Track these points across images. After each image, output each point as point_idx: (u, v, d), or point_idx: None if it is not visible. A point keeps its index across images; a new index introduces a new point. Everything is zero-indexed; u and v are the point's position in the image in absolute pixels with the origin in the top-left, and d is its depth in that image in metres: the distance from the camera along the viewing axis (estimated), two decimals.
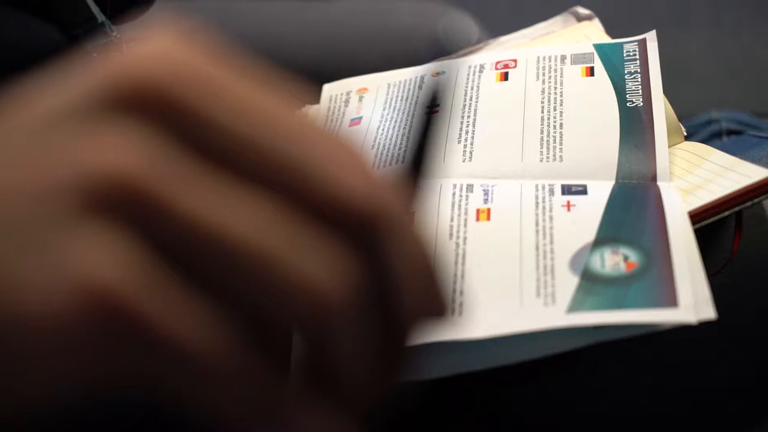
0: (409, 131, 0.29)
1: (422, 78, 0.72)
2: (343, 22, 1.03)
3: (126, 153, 0.22)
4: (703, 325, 0.57)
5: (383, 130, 0.69)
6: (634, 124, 0.63)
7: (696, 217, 0.56)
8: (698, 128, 0.93)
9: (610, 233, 0.56)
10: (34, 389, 0.23)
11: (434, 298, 0.25)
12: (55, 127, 0.23)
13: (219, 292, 0.23)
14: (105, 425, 0.51)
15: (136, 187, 0.22)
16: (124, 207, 0.22)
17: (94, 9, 0.60)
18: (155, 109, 0.23)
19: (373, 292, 0.24)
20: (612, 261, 0.54)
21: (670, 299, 0.51)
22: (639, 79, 0.66)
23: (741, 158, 0.60)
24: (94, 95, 0.23)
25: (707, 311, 0.50)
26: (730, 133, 0.89)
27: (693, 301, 0.50)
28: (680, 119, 0.65)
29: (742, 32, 2.01)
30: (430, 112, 0.30)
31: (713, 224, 0.57)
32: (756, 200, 0.56)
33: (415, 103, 0.70)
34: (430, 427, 0.60)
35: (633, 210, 0.58)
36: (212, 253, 0.22)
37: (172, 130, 0.23)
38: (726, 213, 0.56)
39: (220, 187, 0.23)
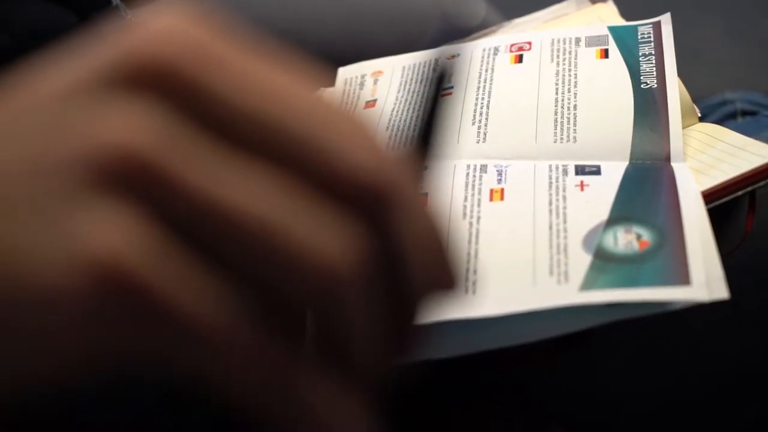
0: (421, 111, 0.29)
1: (437, 61, 0.73)
2: (359, 4, 1.03)
3: (135, 129, 0.22)
4: (717, 308, 0.58)
5: (398, 112, 0.70)
6: (648, 106, 0.64)
7: (709, 196, 0.57)
8: (712, 109, 0.93)
9: (623, 212, 0.56)
10: (44, 365, 0.23)
11: (445, 271, 0.25)
12: (65, 104, 0.24)
13: (228, 266, 0.23)
14: (116, 409, 0.51)
15: (144, 162, 0.22)
16: (132, 182, 0.22)
17: None
18: (164, 85, 0.23)
19: (384, 266, 0.24)
20: (625, 240, 0.54)
21: (682, 277, 0.51)
22: (653, 61, 0.66)
23: (755, 138, 0.60)
24: (103, 73, 0.24)
25: (720, 290, 0.50)
26: (745, 113, 0.89)
27: (705, 279, 0.51)
28: (694, 101, 0.66)
29: (757, 14, 2.00)
30: (439, 91, 0.30)
31: (727, 205, 0.57)
32: None
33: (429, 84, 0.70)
34: (441, 409, 0.61)
35: (646, 189, 0.58)
36: (222, 228, 0.23)
37: (181, 106, 0.23)
38: (740, 193, 0.57)
39: (230, 163, 0.23)
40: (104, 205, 0.22)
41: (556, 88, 0.67)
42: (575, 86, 0.66)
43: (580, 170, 0.60)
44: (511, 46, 0.71)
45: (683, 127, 0.63)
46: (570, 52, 0.69)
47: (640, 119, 0.63)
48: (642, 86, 0.65)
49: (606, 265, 0.53)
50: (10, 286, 0.22)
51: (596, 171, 0.60)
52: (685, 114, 0.64)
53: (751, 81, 1.77)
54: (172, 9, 0.24)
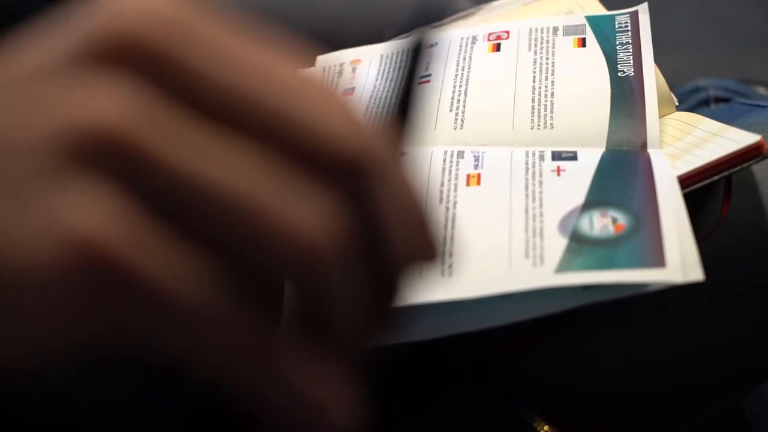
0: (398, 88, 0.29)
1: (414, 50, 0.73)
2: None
3: (111, 105, 0.22)
4: (695, 296, 0.58)
5: (376, 100, 0.70)
6: (625, 94, 0.64)
7: (685, 181, 0.57)
8: (685, 96, 0.93)
9: (599, 197, 0.56)
10: (24, 348, 0.23)
11: (425, 241, 0.25)
12: (39, 80, 0.23)
13: (207, 242, 0.23)
14: (99, 395, 0.51)
15: (121, 138, 0.22)
16: (109, 159, 0.22)
17: None
18: (139, 61, 0.23)
19: (363, 237, 0.24)
20: (601, 223, 0.55)
21: (658, 259, 0.51)
22: (630, 50, 0.67)
23: (730, 125, 0.60)
24: (76, 49, 0.23)
25: (696, 273, 0.51)
26: (718, 100, 0.90)
27: (681, 262, 0.51)
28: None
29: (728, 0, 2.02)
30: (416, 65, 0.30)
31: (703, 191, 0.57)
32: (744, 165, 0.57)
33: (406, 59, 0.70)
34: (415, 395, 0.61)
35: (622, 175, 0.58)
36: (199, 204, 0.22)
37: (157, 81, 0.23)
38: (715, 177, 0.57)
39: (206, 138, 0.23)
40: (80, 182, 0.22)
41: (534, 77, 0.67)
42: (552, 74, 0.67)
43: (557, 156, 0.60)
44: (489, 35, 0.72)
45: (661, 116, 0.63)
46: (547, 41, 0.70)
47: (617, 107, 0.63)
48: (619, 74, 0.65)
49: (581, 248, 0.53)
50: None
51: (573, 157, 0.60)
52: (662, 103, 0.64)
53: (723, 67, 1.79)
54: None
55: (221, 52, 0.23)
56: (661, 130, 0.62)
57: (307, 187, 0.23)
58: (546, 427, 0.57)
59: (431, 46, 0.72)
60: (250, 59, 0.24)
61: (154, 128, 0.22)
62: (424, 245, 0.25)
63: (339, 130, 0.23)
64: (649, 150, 0.61)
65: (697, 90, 0.92)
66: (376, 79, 0.71)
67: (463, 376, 0.62)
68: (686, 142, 0.61)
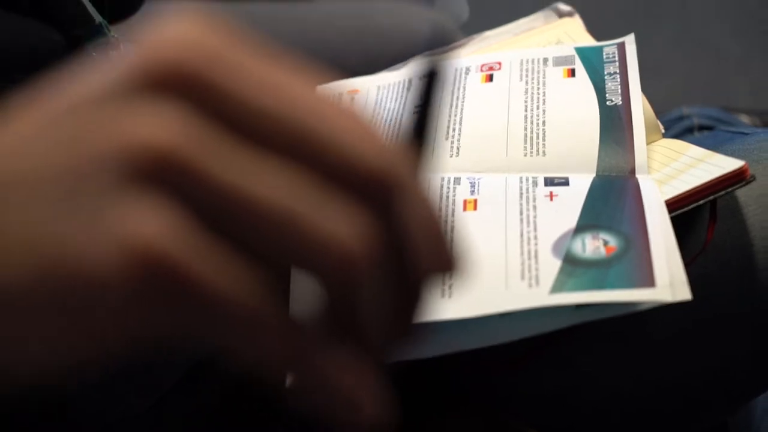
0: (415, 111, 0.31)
1: (410, 81, 0.75)
2: (323, 23, 1.05)
3: (163, 128, 0.25)
4: (681, 316, 0.61)
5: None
6: (614, 122, 0.67)
7: (672, 206, 0.60)
8: (670, 124, 0.96)
9: (590, 220, 0.59)
10: (86, 348, 0.25)
11: (445, 253, 0.28)
12: (97, 107, 0.25)
13: (252, 252, 0.25)
14: (135, 395, 0.53)
15: (174, 158, 0.24)
16: (164, 176, 0.25)
17: (91, 10, 0.62)
18: (186, 88, 0.25)
19: (389, 247, 0.26)
20: (592, 245, 0.57)
21: (648, 280, 0.54)
22: (618, 80, 0.69)
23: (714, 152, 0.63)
24: (130, 78, 0.26)
25: (684, 292, 0.53)
26: (702, 128, 0.92)
27: (670, 281, 0.53)
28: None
29: (710, 27, 2.06)
30: (430, 85, 0.33)
31: (689, 214, 0.60)
32: (729, 190, 0.59)
33: (404, 104, 0.73)
34: (417, 412, 0.63)
35: (612, 199, 0.61)
36: (246, 218, 0.25)
37: (203, 107, 0.25)
38: (701, 201, 0.60)
39: (249, 158, 0.25)
40: (139, 198, 0.24)
41: (526, 106, 0.69)
42: (544, 104, 0.69)
43: (549, 182, 0.63)
44: (482, 65, 0.74)
45: (648, 143, 0.66)
46: (538, 72, 0.72)
47: (606, 134, 0.66)
48: (607, 103, 0.68)
49: (575, 269, 0.55)
50: (58, 275, 0.24)
51: (565, 182, 0.63)
52: (649, 130, 0.67)
53: (704, 95, 1.82)
54: (187, 17, 0.27)
55: (257, 79, 0.26)
56: (648, 157, 0.64)
57: (342, 203, 0.26)
58: None
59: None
60: (283, 85, 0.26)
61: (204, 149, 0.25)
62: (445, 257, 0.28)
63: (366, 150, 0.26)
64: (638, 176, 0.63)
65: (681, 118, 0.95)
66: (373, 109, 0.74)
67: (463, 394, 0.64)
68: (673, 168, 0.63)
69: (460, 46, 0.80)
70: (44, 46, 0.60)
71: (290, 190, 0.25)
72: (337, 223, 0.25)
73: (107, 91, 0.26)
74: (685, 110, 0.96)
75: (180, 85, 0.25)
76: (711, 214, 0.61)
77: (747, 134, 0.69)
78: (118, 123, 0.25)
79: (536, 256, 0.57)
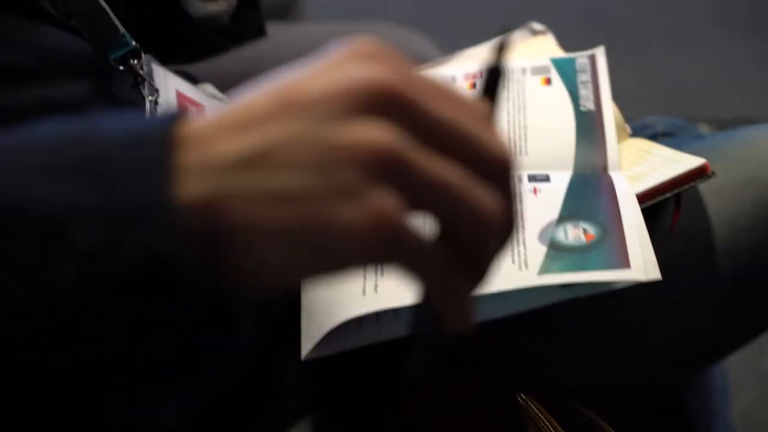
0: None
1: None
2: (306, 45, 1.11)
3: (384, 134, 0.37)
4: (650, 296, 0.68)
5: None
6: (587, 125, 0.74)
7: (642, 198, 0.67)
8: (636, 132, 1.03)
9: (570, 212, 0.67)
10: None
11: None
12: (329, 109, 0.37)
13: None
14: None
15: (395, 155, 0.37)
16: (388, 168, 0.37)
17: (118, 24, 0.69)
18: (391, 109, 0.37)
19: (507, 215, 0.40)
20: (574, 233, 0.65)
21: (623, 262, 0.62)
22: (590, 87, 0.77)
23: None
24: (352, 101, 0.37)
25: (654, 273, 0.61)
26: (665, 134, 1.00)
27: (642, 264, 0.61)
28: None
29: (669, 52, 2.16)
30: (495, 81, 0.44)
31: (656, 205, 0.68)
32: (692, 184, 0.67)
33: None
34: (398, 383, 0.70)
35: (589, 193, 0.69)
36: (437, 190, 0.37)
37: (403, 120, 0.37)
38: (668, 194, 0.67)
39: (434, 154, 0.37)
40: (375, 182, 0.36)
41: (508, 111, 0.77)
42: (524, 109, 0.77)
43: (533, 178, 0.70)
44: (467, 75, 0.82)
45: (618, 143, 0.74)
46: (518, 81, 0.80)
47: (581, 136, 0.74)
48: (581, 108, 0.76)
49: (559, 254, 0.63)
50: (315, 228, 0.36)
51: (546, 179, 0.70)
52: (618, 132, 0.74)
53: (662, 111, 1.91)
54: (367, 44, 0.39)
55: (439, 99, 0.38)
56: (620, 155, 0.72)
57: (485, 183, 0.38)
58: (531, 402, 0.66)
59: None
60: (452, 103, 0.38)
61: (411, 149, 0.37)
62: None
63: (501, 151, 0.39)
64: (611, 172, 0.71)
65: (645, 127, 1.02)
66: None
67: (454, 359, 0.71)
68: (642, 166, 0.71)
69: (441, 63, 0.87)
70: (76, 57, 0.66)
71: (459, 175, 0.38)
72: (485, 195, 0.38)
73: (333, 108, 0.37)
74: (649, 119, 1.04)
75: (386, 107, 0.37)
76: (676, 204, 0.69)
77: (705, 137, 0.77)
78: (348, 127, 0.37)
79: (524, 243, 0.64)
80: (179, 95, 0.72)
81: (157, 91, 0.70)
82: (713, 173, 0.67)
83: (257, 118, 0.38)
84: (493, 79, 0.44)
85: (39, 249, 0.37)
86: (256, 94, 0.38)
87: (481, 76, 0.44)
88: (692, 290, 0.71)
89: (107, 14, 0.68)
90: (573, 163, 0.72)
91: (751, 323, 0.75)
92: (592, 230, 0.65)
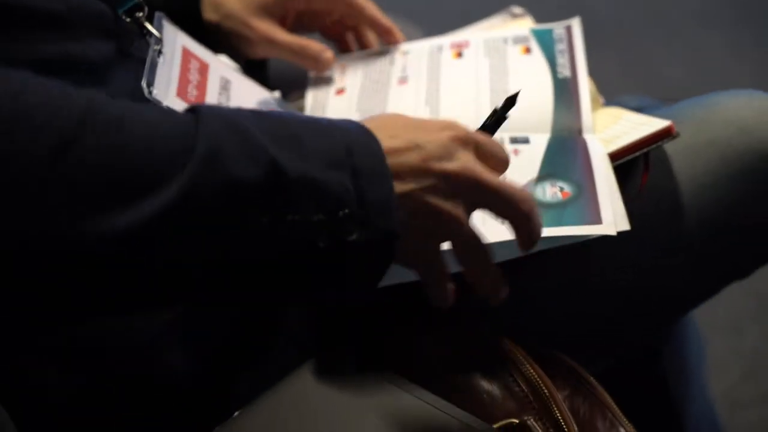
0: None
1: (392, 56, 0.89)
2: None
3: (475, 163, 0.61)
4: (623, 251, 0.74)
5: (364, 98, 0.85)
6: (564, 91, 0.80)
7: (613, 158, 0.73)
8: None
9: (548, 171, 0.72)
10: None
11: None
12: (447, 141, 0.61)
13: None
14: None
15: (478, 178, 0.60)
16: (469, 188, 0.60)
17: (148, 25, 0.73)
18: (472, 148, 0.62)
19: None
20: (551, 191, 0.70)
21: (595, 218, 0.68)
22: (567, 56, 0.83)
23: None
24: (454, 140, 0.61)
25: (624, 224, 0.67)
26: (637, 110, 1.06)
27: (613, 220, 0.67)
28: None
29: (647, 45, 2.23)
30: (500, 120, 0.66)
31: (627, 165, 0.73)
32: (659, 143, 0.73)
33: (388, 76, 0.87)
34: (404, 324, 0.76)
35: (566, 154, 0.74)
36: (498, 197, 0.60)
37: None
38: (637, 153, 0.73)
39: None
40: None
41: (491, 77, 0.82)
42: (506, 75, 0.82)
43: (514, 140, 0.76)
44: (452, 44, 0.88)
45: (592, 110, 0.79)
46: (500, 49, 0.85)
47: (558, 101, 0.79)
48: (558, 75, 0.81)
49: (544, 208, 0.69)
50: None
51: (526, 140, 0.76)
52: (592, 101, 0.80)
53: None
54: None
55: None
56: (593, 120, 0.78)
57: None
58: (503, 341, 0.70)
59: (405, 53, 0.88)
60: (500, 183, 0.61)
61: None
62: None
63: (528, 212, 0.61)
64: (585, 135, 0.76)
65: (619, 103, 1.08)
66: (363, 79, 0.88)
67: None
68: (613, 129, 0.77)
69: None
70: (100, 17, 0.69)
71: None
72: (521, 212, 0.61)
73: (432, 130, 0.61)
74: (623, 98, 1.09)
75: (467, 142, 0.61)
76: (645, 164, 0.74)
77: (672, 106, 0.82)
78: (454, 153, 0.60)
79: None
80: (185, 51, 0.76)
81: (161, 41, 0.74)
82: (678, 134, 0.73)
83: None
84: (496, 122, 0.67)
85: (329, 216, 0.54)
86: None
87: (491, 116, 0.67)
88: (661, 245, 0.76)
89: None
90: (551, 126, 0.78)
91: (718, 274, 0.80)
92: (567, 188, 0.70)
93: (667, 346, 0.97)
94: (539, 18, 0.94)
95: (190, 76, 0.75)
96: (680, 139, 0.73)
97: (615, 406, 0.67)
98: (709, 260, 0.78)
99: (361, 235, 0.54)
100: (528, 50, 0.85)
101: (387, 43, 0.91)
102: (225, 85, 0.79)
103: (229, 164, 0.51)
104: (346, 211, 0.54)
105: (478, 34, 0.90)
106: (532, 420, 0.63)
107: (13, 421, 0.57)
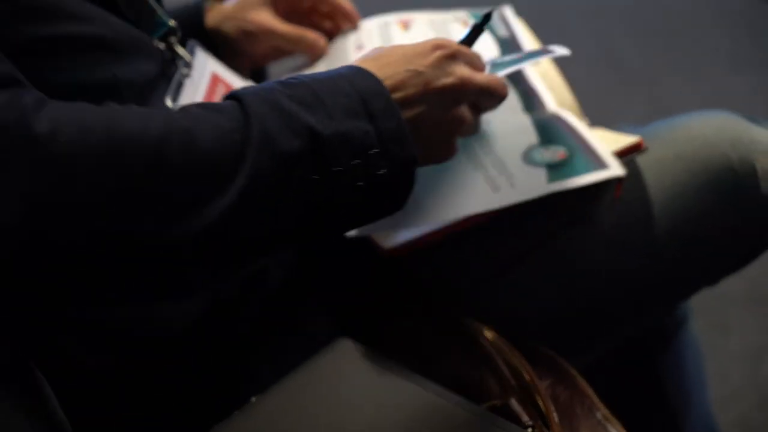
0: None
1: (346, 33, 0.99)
2: None
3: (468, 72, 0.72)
4: (600, 257, 0.81)
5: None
6: (507, 48, 0.91)
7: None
8: None
9: (541, 140, 0.82)
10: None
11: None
12: (428, 56, 0.70)
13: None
14: None
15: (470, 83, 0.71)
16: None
17: (154, 5, 0.78)
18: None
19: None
20: (549, 154, 0.80)
21: (601, 164, 0.77)
22: (501, 23, 0.94)
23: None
24: (439, 52, 0.70)
25: (622, 170, 0.77)
26: None
27: (616, 164, 0.76)
28: None
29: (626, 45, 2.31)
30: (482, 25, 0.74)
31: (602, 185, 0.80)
32: (630, 157, 0.80)
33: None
34: (386, 308, 0.84)
35: (550, 127, 0.83)
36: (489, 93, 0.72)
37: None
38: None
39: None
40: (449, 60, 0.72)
41: None
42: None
43: None
44: (399, 21, 0.96)
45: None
46: (443, 24, 0.94)
47: (516, 86, 0.88)
48: (497, 33, 0.91)
49: (553, 168, 0.78)
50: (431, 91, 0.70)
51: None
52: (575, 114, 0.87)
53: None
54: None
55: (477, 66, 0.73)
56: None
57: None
58: (488, 332, 0.76)
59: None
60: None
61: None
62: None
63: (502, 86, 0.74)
64: (556, 112, 0.85)
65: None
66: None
67: (423, 294, 0.84)
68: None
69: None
70: (141, 41, 0.74)
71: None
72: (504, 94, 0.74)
73: (424, 54, 0.70)
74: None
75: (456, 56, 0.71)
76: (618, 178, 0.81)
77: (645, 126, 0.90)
78: (443, 65, 0.70)
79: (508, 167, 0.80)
80: (214, 76, 0.82)
81: (190, 65, 0.80)
82: (647, 148, 0.80)
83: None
84: (474, 34, 0.75)
85: (363, 159, 0.63)
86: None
87: (469, 29, 0.74)
88: (633, 252, 0.82)
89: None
90: (520, 107, 0.86)
91: (688, 281, 0.86)
92: (562, 150, 0.80)
93: (663, 355, 1.03)
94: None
95: (215, 98, 0.81)
96: (650, 153, 0.81)
97: (594, 396, 0.73)
98: (678, 267, 0.84)
99: (388, 166, 0.64)
100: (466, 23, 0.94)
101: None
102: None
103: (277, 142, 0.61)
104: (374, 151, 0.64)
105: (421, 16, 0.98)
106: (514, 401, 0.69)
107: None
